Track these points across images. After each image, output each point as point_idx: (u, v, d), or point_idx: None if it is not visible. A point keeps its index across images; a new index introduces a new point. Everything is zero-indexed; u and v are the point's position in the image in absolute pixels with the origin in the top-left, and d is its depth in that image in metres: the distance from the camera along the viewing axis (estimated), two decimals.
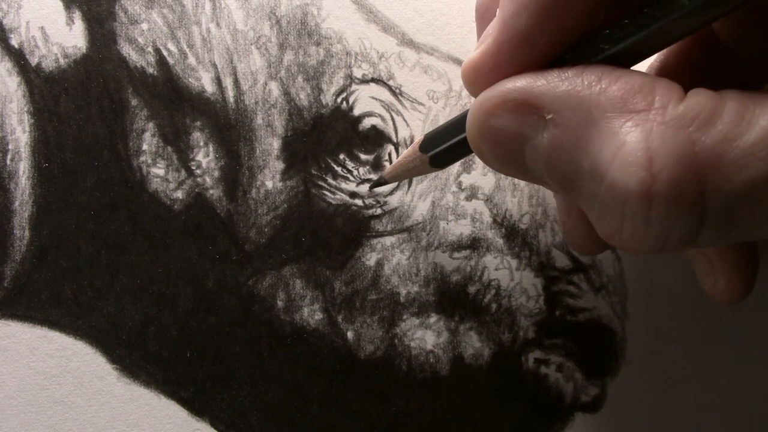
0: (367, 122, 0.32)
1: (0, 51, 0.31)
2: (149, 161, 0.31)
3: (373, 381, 0.31)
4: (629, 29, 0.20)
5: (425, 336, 0.32)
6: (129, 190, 0.31)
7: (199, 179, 0.31)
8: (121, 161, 0.31)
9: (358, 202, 0.32)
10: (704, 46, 0.28)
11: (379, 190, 0.32)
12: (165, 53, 0.31)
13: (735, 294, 0.26)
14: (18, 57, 0.31)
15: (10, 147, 0.30)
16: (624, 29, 0.20)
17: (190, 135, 0.31)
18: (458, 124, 0.26)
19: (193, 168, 0.31)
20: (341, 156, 0.32)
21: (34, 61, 0.31)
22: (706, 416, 0.33)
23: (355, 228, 0.32)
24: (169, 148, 0.31)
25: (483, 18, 0.26)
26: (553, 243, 0.33)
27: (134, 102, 0.31)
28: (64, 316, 0.30)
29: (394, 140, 0.32)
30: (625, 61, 0.21)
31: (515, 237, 0.32)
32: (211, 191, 0.31)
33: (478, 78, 0.22)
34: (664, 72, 0.28)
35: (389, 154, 0.32)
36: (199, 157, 0.31)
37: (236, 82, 0.31)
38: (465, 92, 0.32)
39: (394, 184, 0.32)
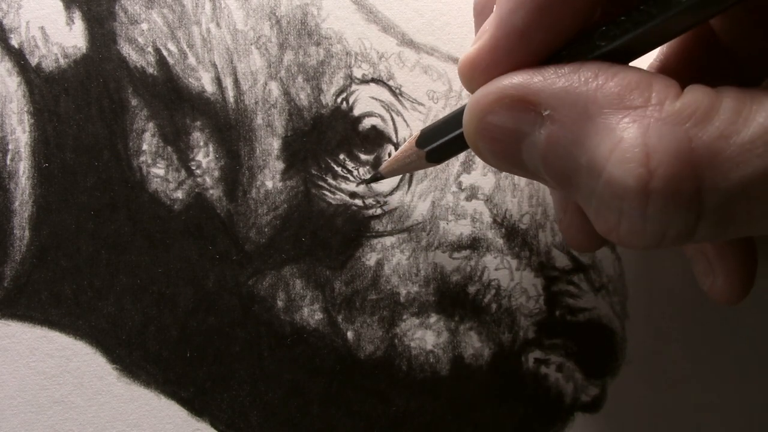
0: (367, 122, 0.32)
1: (0, 51, 0.31)
2: (149, 161, 0.31)
3: (373, 381, 0.31)
4: (626, 26, 0.20)
5: (425, 336, 0.32)
6: (129, 190, 0.31)
7: (199, 179, 0.31)
8: (121, 161, 0.31)
9: (358, 202, 0.32)
10: (704, 46, 0.28)
11: (379, 189, 0.32)
12: (165, 53, 0.31)
13: (734, 293, 0.26)
14: (18, 57, 0.31)
15: (10, 147, 0.30)
16: (620, 26, 0.20)
17: (190, 135, 0.31)
18: (455, 119, 0.26)
19: (193, 168, 0.31)
20: (341, 156, 0.32)
21: (34, 61, 0.31)
22: (706, 416, 0.33)
23: (355, 228, 0.32)
24: (169, 148, 0.31)
25: (480, 15, 0.26)
26: (553, 243, 0.33)
27: (134, 102, 0.31)
28: (64, 316, 0.30)
29: (394, 140, 0.32)
30: (621, 57, 0.21)
31: (515, 237, 0.32)
32: (211, 191, 0.31)
33: (475, 74, 0.22)
34: (663, 71, 0.28)
35: (389, 155, 0.32)
36: (199, 157, 0.31)
37: (236, 82, 0.31)
38: (465, 92, 0.32)
39: (393, 183, 0.32)
